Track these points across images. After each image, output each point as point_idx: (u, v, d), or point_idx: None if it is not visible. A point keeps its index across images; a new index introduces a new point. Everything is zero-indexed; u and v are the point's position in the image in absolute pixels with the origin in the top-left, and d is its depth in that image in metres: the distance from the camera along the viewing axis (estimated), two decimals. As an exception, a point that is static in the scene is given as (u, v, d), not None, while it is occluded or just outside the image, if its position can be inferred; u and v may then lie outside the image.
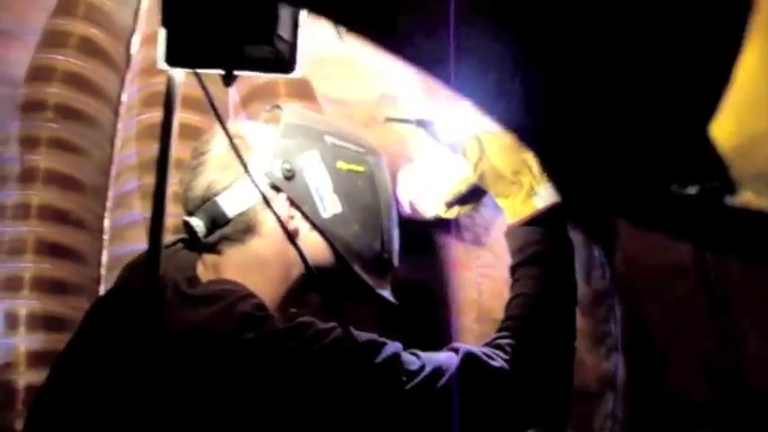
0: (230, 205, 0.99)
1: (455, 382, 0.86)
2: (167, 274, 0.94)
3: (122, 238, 1.59)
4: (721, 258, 0.91)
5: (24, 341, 1.52)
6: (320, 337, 0.85)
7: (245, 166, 0.86)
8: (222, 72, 0.76)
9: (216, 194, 0.99)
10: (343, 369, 0.84)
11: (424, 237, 1.35)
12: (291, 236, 0.94)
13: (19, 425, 1.54)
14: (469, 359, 0.89)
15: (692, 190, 0.39)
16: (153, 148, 1.51)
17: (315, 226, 1.02)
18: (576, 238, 1.16)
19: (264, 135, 1.03)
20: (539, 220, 1.04)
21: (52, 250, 1.51)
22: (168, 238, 1.15)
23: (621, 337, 1.18)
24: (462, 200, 1.22)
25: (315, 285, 1.02)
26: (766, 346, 0.89)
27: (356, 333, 0.87)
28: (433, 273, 1.38)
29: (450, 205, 1.21)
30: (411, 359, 0.87)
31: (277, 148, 1.01)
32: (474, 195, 1.22)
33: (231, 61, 0.75)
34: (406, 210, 1.26)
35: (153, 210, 0.78)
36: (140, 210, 1.56)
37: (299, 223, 1.02)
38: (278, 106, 1.11)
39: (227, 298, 0.89)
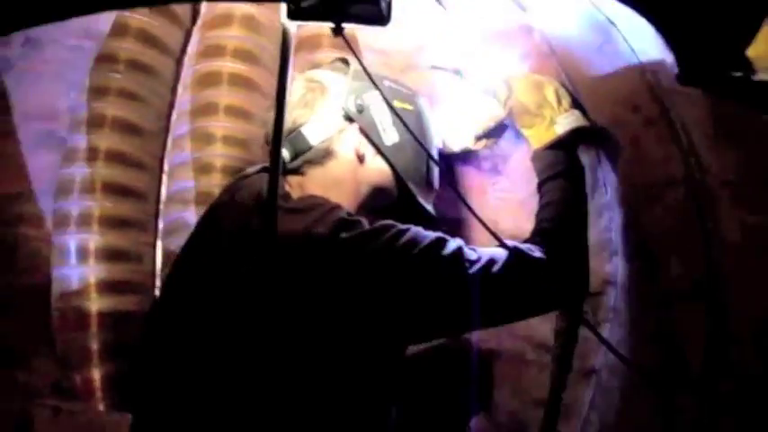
0: (313, 134, 1.22)
1: (506, 269, 1.12)
2: (262, 192, 1.18)
3: (175, 177, 1.80)
4: (705, 170, 1.17)
5: (94, 271, 1.74)
6: (402, 233, 1.09)
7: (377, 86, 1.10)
8: (332, 25, 0.98)
9: (300, 126, 1.22)
10: (422, 257, 1.08)
11: (451, 165, 1.60)
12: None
13: (93, 344, 1.76)
14: (516, 251, 1.14)
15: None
16: (205, 95, 1.72)
17: (379, 151, 1.26)
18: (584, 160, 1.42)
19: (336, 79, 1.27)
20: (558, 145, 1.30)
21: (116, 189, 1.72)
22: (249, 169, 1.39)
23: (621, 243, 1.45)
24: (488, 134, 1.46)
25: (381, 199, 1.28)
26: (744, 240, 1.14)
27: (426, 230, 1.12)
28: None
29: (478, 138, 1.46)
30: (470, 251, 1.12)
31: (349, 89, 1.25)
32: (498, 131, 1.47)
33: (340, 16, 0.97)
34: (438, 143, 1.50)
35: (273, 137, 0.98)
36: (190, 151, 1.76)
37: (365, 149, 1.26)
38: (342, 59, 1.34)
39: (321, 208, 1.12)
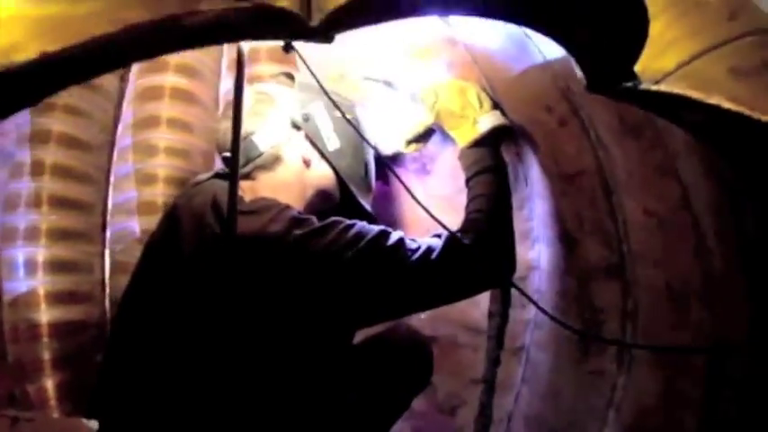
0: (263, 142, 1.34)
1: (443, 255, 1.26)
2: (216, 197, 1.29)
3: (119, 188, 1.87)
4: (612, 161, 1.34)
5: (42, 283, 1.79)
6: (350, 227, 1.22)
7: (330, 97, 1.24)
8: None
9: (250, 134, 1.33)
10: (369, 247, 1.21)
11: (382, 168, 1.73)
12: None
13: (45, 354, 1.81)
14: (451, 239, 1.28)
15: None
16: (147, 108, 1.79)
17: (323, 156, 1.39)
18: (506, 157, 1.58)
19: (283, 91, 1.39)
20: (482, 142, 1.45)
21: (62, 202, 1.78)
22: (200, 176, 1.49)
23: (542, 230, 1.62)
24: (418, 138, 1.61)
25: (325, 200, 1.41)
26: (646, 220, 1.32)
27: (370, 225, 1.25)
28: (390, 195, 1.78)
29: (409, 143, 1.60)
30: (410, 241, 1.26)
31: (295, 100, 1.37)
32: (426, 135, 1.62)
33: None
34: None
35: (232, 145, 1.09)
36: (132, 162, 1.83)
37: (311, 155, 1.38)
38: (286, 73, 1.47)
39: (273, 209, 1.24)
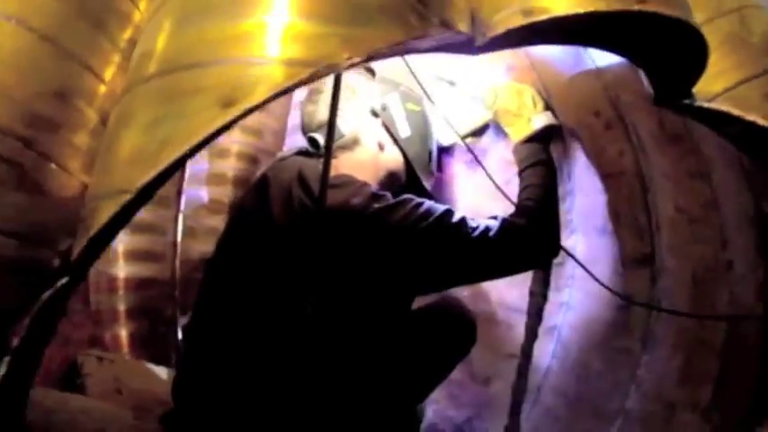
0: (344, 126, 1.54)
1: (500, 234, 1.45)
2: (302, 171, 1.48)
3: (195, 160, 2.07)
4: (651, 164, 1.53)
5: (122, 241, 2.00)
6: (420, 205, 1.41)
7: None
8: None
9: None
10: (437, 222, 1.39)
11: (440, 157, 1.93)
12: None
13: (121, 306, 2.02)
14: (505, 220, 1.48)
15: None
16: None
17: (396, 142, 1.59)
18: (553, 154, 1.77)
19: (364, 83, 1.59)
20: (534, 139, 1.64)
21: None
22: (284, 152, 1.69)
23: (580, 222, 1.81)
24: (474, 133, 1.81)
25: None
26: (677, 216, 1.51)
27: (436, 204, 1.45)
28: (444, 182, 1.98)
29: (466, 136, 1.80)
30: (471, 220, 1.45)
31: (374, 91, 1.57)
32: (481, 130, 1.81)
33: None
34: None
35: (327, 133, 1.27)
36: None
37: (385, 140, 1.58)
38: (367, 68, 1.66)
39: (353, 184, 1.43)
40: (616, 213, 1.66)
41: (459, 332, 1.67)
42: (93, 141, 0.67)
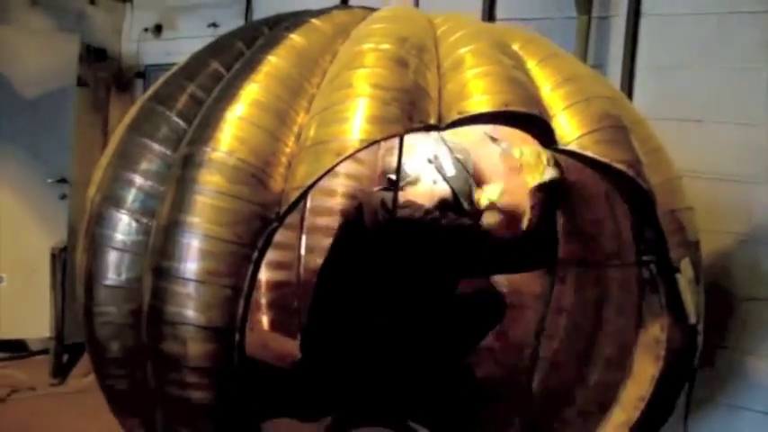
0: (410, 169, 2.49)
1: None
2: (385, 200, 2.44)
3: (312, 197, 3.07)
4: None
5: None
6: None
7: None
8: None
9: (404, 165, 2.49)
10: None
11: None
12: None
13: (263, 300, 3.02)
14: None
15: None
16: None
17: (444, 178, 2.53)
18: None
19: (423, 140, 2.55)
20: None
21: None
22: (373, 189, 2.66)
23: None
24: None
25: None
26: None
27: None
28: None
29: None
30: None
31: (430, 146, 2.53)
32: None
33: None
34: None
35: (396, 174, 2.23)
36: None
37: (437, 178, 2.54)
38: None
39: (414, 205, 2.38)
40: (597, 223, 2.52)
41: (492, 306, 2.56)
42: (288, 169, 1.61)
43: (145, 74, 5.70)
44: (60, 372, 4.69)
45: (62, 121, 4.99)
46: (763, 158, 3.25)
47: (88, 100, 5.32)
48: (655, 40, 3.54)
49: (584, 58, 3.54)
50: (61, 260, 4.70)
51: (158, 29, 5.64)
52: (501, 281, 2.79)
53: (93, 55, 5.34)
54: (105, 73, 5.53)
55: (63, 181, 4.96)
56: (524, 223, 2.40)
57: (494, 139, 2.67)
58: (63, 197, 4.91)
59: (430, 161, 2.53)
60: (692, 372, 2.01)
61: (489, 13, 3.93)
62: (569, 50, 3.33)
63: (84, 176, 5.05)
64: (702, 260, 2.77)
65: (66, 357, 4.86)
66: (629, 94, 3.54)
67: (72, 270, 4.86)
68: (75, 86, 4.95)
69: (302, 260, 3.08)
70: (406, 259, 2.31)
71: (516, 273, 2.58)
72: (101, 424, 4.06)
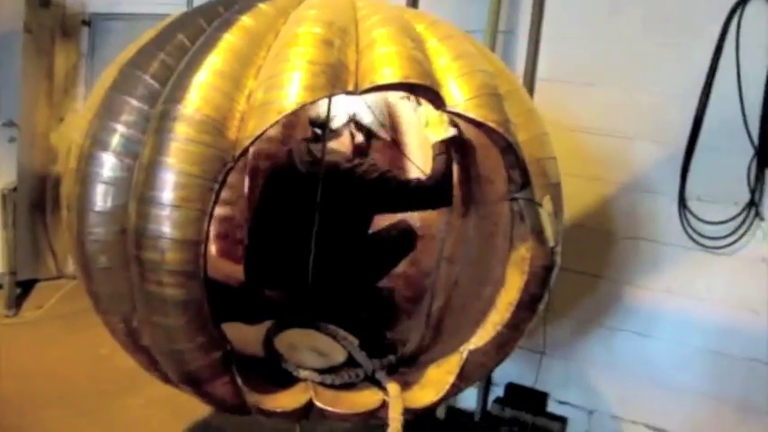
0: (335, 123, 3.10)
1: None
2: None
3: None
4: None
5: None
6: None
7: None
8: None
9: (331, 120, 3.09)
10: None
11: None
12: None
13: (211, 232, 3.60)
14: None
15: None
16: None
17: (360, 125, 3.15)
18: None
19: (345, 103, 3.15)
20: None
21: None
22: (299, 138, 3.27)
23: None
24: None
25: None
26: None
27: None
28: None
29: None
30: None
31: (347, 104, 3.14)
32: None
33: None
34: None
35: (323, 129, 2.84)
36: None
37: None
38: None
39: (340, 154, 2.99)
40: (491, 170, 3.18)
41: (404, 238, 3.21)
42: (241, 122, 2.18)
43: (90, 22, 6.06)
44: (15, 304, 5.17)
45: (9, 66, 5.35)
46: (642, 118, 3.95)
47: (33, 46, 5.66)
48: (558, 12, 4.18)
49: (496, 27, 4.14)
50: (11, 200, 5.15)
51: (102, -23, 5.95)
52: (414, 217, 3.43)
53: (38, 1, 5.64)
54: (50, 20, 5.86)
55: (11, 124, 5.35)
56: (429, 169, 3.05)
57: (408, 98, 3.29)
58: (12, 140, 5.31)
59: (350, 116, 3.12)
60: (550, 283, 2.68)
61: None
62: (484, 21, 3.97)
63: (30, 120, 5.51)
64: (586, 203, 3.53)
65: (18, 291, 5.35)
66: (534, 58, 4.17)
67: (29, 208, 5.33)
68: (23, 32, 5.26)
69: (245, 197, 3.68)
70: (330, 197, 2.92)
71: (423, 210, 3.22)
72: (54, 351, 4.63)
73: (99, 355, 4.38)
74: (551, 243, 2.55)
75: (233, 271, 3.33)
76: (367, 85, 2.16)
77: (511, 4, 4.27)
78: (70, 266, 6.35)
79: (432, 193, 2.98)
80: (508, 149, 2.42)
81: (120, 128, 2.25)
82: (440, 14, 4.16)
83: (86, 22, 6.07)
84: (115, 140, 2.26)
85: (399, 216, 3.39)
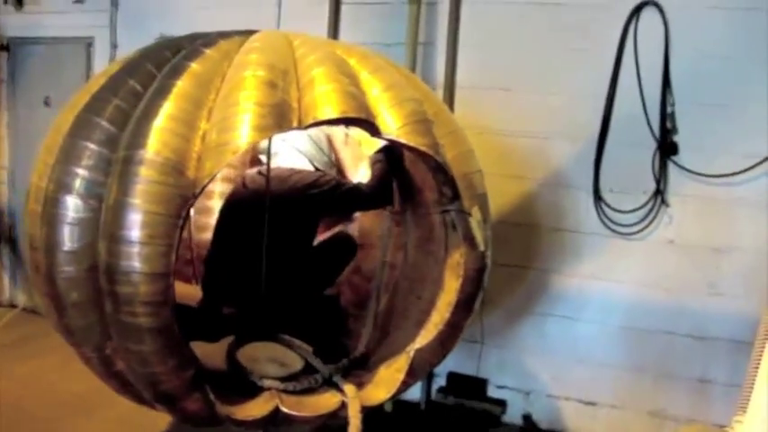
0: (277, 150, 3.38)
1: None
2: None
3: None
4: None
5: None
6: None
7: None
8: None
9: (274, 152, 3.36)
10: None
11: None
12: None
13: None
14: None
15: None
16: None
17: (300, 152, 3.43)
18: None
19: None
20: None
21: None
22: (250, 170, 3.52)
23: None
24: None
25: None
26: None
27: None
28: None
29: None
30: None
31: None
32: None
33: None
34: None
35: (267, 155, 3.12)
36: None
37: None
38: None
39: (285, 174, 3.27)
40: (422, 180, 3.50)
41: (346, 246, 3.51)
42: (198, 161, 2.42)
43: (8, 47, 6.12)
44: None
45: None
46: (556, 118, 4.33)
47: (-50, 70, 5.69)
48: (473, 23, 4.52)
49: (416, 40, 4.46)
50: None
51: (19, 1, 6.00)
52: (353, 227, 3.74)
53: (-46, 26, 5.68)
54: (-33, 44, 5.90)
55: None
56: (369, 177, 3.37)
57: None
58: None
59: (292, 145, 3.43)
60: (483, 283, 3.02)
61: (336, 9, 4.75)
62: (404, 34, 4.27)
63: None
64: (512, 201, 3.87)
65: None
66: (453, 67, 4.50)
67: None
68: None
69: (193, 222, 3.91)
70: (280, 212, 3.20)
71: (371, 209, 3.58)
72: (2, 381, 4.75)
73: (49, 380, 4.53)
74: (482, 248, 2.88)
75: (186, 290, 3.56)
76: (310, 121, 2.44)
77: (428, 17, 4.59)
78: (6, 295, 6.45)
79: (376, 194, 3.30)
80: (438, 169, 2.74)
81: (82, 172, 2.46)
82: (362, 30, 4.54)
83: (4, 47, 6.12)
84: (78, 183, 2.46)
85: (338, 228, 3.68)
